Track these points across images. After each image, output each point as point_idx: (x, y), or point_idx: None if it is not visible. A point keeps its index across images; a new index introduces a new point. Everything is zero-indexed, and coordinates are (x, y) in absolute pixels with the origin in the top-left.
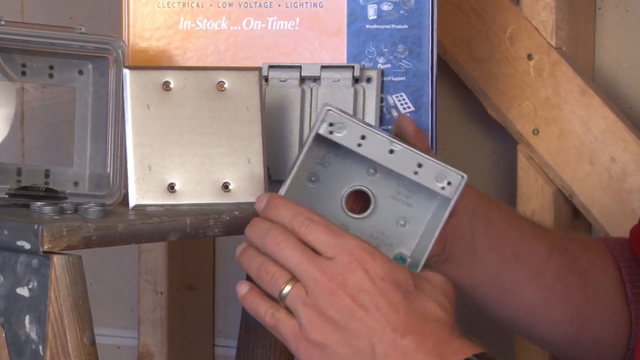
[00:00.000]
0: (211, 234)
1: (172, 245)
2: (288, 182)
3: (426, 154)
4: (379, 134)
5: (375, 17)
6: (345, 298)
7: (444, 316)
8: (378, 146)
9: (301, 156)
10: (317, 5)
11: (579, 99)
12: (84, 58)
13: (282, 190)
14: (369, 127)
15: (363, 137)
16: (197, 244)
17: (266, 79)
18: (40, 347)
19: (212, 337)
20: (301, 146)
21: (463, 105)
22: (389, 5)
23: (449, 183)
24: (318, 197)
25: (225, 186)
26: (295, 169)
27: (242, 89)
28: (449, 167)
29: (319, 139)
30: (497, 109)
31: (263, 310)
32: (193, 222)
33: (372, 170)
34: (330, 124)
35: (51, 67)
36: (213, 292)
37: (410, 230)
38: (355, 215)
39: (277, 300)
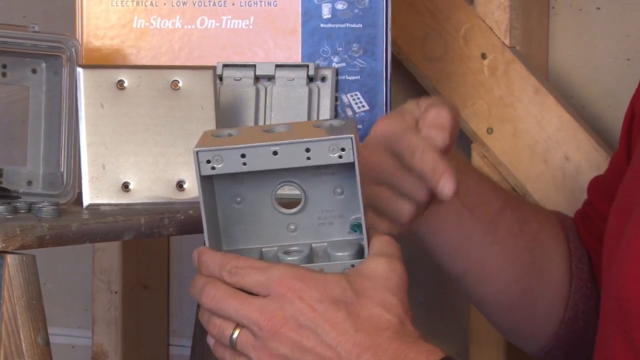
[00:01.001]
0: (166, 233)
1: (126, 244)
2: (205, 230)
3: (306, 131)
4: (255, 146)
5: (329, 16)
6: (290, 333)
7: (393, 319)
8: (261, 156)
9: (202, 201)
10: (272, 4)
11: (533, 98)
12: (37, 57)
13: (206, 241)
14: (243, 145)
15: (243, 156)
16: (151, 243)
17: (220, 78)
18: None
19: (167, 336)
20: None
21: None
22: (343, 5)
23: (342, 149)
24: (252, 213)
25: (180, 185)
26: (204, 214)
27: (197, 88)
28: (333, 136)
29: (209, 177)
30: None
31: (228, 358)
32: (147, 221)
33: None
34: (208, 161)
35: (4, 66)
36: (168, 291)
37: (349, 195)
38: (294, 210)
39: (231, 349)
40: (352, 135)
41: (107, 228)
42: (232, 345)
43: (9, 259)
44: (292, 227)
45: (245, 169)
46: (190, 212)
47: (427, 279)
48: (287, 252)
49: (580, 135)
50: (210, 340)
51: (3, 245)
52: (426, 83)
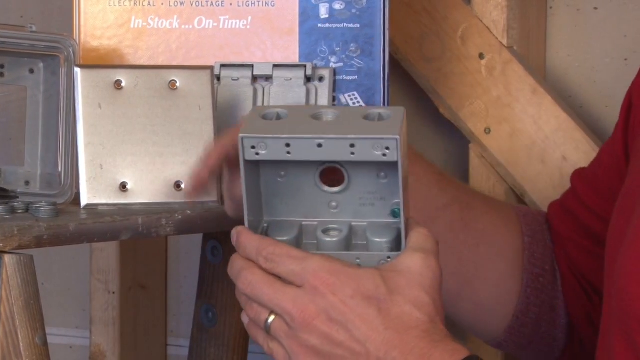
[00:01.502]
0: (163, 233)
1: (124, 244)
2: (245, 209)
3: (353, 122)
4: (300, 137)
5: (327, 16)
6: (321, 326)
7: (423, 318)
8: (305, 148)
9: (243, 183)
10: (269, 4)
11: (531, 98)
12: (35, 57)
13: (246, 221)
14: (288, 135)
15: (288, 145)
16: (149, 243)
17: (218, 78)
18: None
19: (165, 336)
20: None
21: (415, 104)
22: (341, 4)
23: (387, 148)
24: (295, 188)
25: (178, 185)
26: (245, 194)
27: (194, 88)
28: (379, 135)
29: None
30: (449, 108)
31: (261, 340)
32: (145, 221)
33: None
34: (252, 147)
35: (2, 66)
36: (165, 291)
37: (391, 181)
38: (337, 189)
39: (265, 332)
40: (398, 137)
41: (104, 228)
42: (267, 330)
43: (7, 259)
44: (334, 204)
45: (289, 157)
46: (188, 212)
47: None
48: (326, 231)
49: (577, 136)
50: (245, 319)
51: (1, 245)
52: (424, 83)
